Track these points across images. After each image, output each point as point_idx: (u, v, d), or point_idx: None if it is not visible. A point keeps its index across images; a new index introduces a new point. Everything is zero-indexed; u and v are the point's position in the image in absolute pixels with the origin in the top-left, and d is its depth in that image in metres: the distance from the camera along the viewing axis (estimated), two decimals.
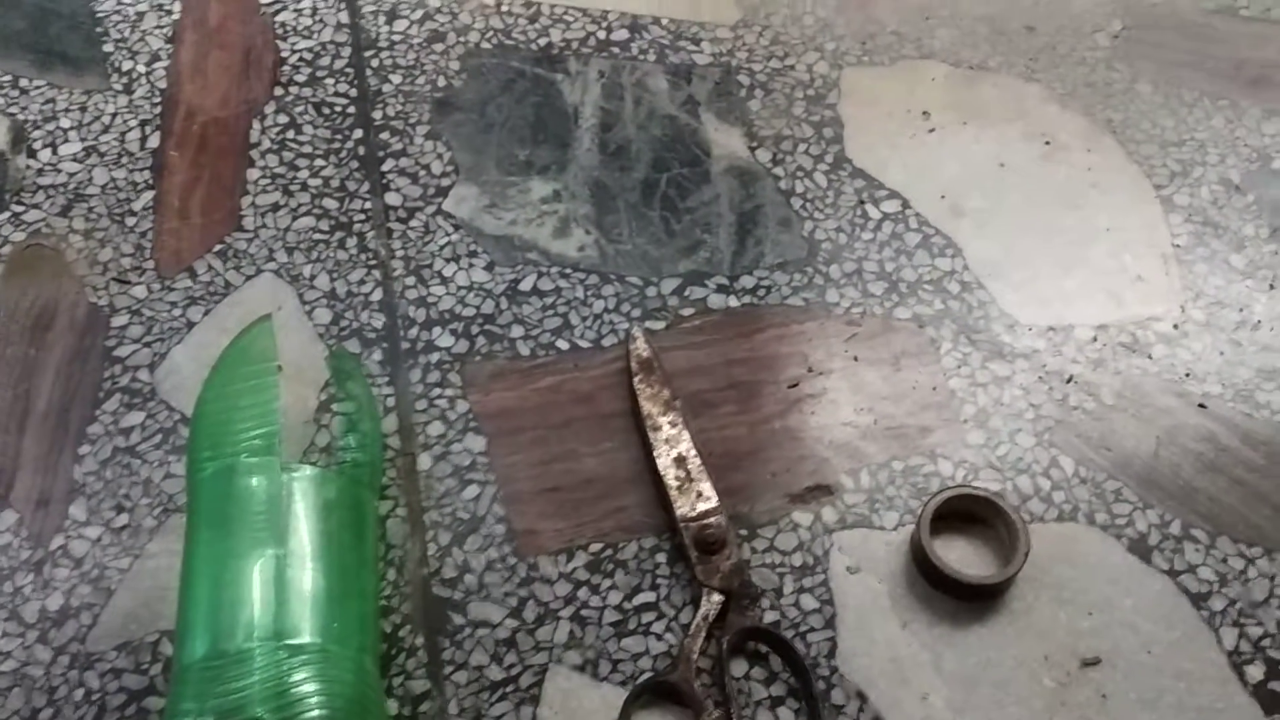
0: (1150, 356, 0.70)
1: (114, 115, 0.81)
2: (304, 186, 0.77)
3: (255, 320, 0.63)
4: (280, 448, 0.56)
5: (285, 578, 0.53)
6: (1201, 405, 0.68)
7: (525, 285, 0.72)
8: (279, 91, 0.83)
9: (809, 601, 0.61)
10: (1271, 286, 0.73)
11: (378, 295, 0.72)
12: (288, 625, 0.51)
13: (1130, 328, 0.71)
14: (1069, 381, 0.69)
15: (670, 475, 0.63)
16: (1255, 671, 0.58)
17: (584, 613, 0.60)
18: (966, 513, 0.63)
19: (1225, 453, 0.66)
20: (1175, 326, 0.71)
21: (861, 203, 0.77)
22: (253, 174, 0.78)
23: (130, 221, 0.76)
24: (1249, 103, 0.83)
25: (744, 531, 0.63)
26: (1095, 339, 0.71)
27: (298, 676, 0.49)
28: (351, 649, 0.53)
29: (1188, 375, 0.69)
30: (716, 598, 0.59)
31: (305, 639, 0.51)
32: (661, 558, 0.62)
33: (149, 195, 0.77)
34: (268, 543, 0.53)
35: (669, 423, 0.65)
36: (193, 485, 0.57)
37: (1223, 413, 0.68)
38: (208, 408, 0.59)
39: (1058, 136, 0.81)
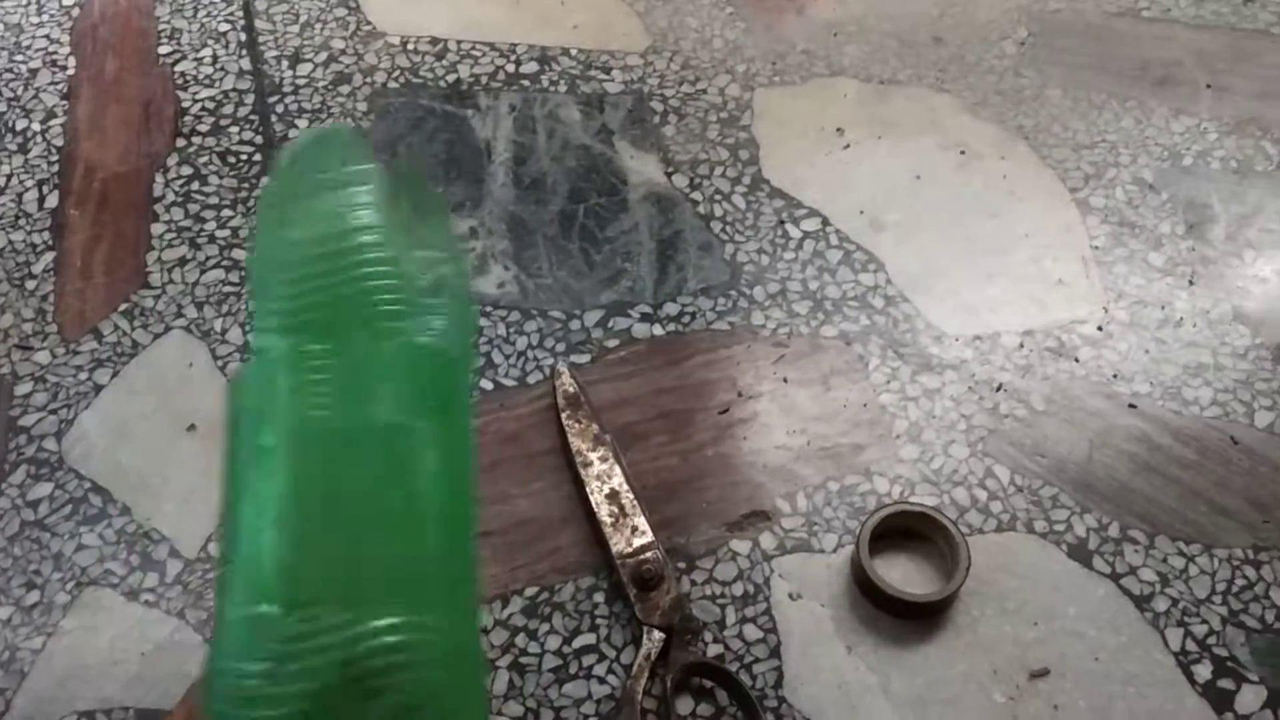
0: (1077, 359, 0.70)
1: (9, 176, 0.78)
2: (211, 238, 0.75)
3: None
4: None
5: (366, 534, 0.44)
6: (1131, 405, 0.68)
7: None
8: (181, 143, 0.80)
9: (752, 632, 0.60)
10: (1191, 283, 0.73)
11: None
12: (366, 595, 0.43)
13: (1056, 332, 0.71)
14: (999, 390, 0.68)
15: (604, 512, 0.61)
16: (1203, 671, 0.58)
17: (523, 660, 0.59)
18: (905, 529, 0.62)
19: (1158, 451, 0.66)
20: (1100, 328, 0.71)
21: (781, 222, 0.76)
22: (157, 229, 0.75)
23: (30, 285, 0.73)
24: (1156, 102, 0.84)
25: (682, 564, 0.62)
26: (1022, 345, 0.70)
27: (378, 662, 0.42)
28: (446, 616, 0.45)
29: (1115, 376, 0.69)
30: (658, 635, 0.57)
31: (389, 619, 0.42)
32: (599, 598, 0.61)
33: (49, 256, 0.74)
34: (354, 477, 0.45)
35: (600, 458, 0.63)
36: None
37: (1153, 411, 0.68)
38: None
39: (971, 145, 0.81)
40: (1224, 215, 0.77)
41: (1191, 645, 0.59)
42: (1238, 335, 0.71)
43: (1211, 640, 0.59)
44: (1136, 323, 0.71)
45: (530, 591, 0.61)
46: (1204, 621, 0.60)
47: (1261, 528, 0.63)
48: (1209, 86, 0.85)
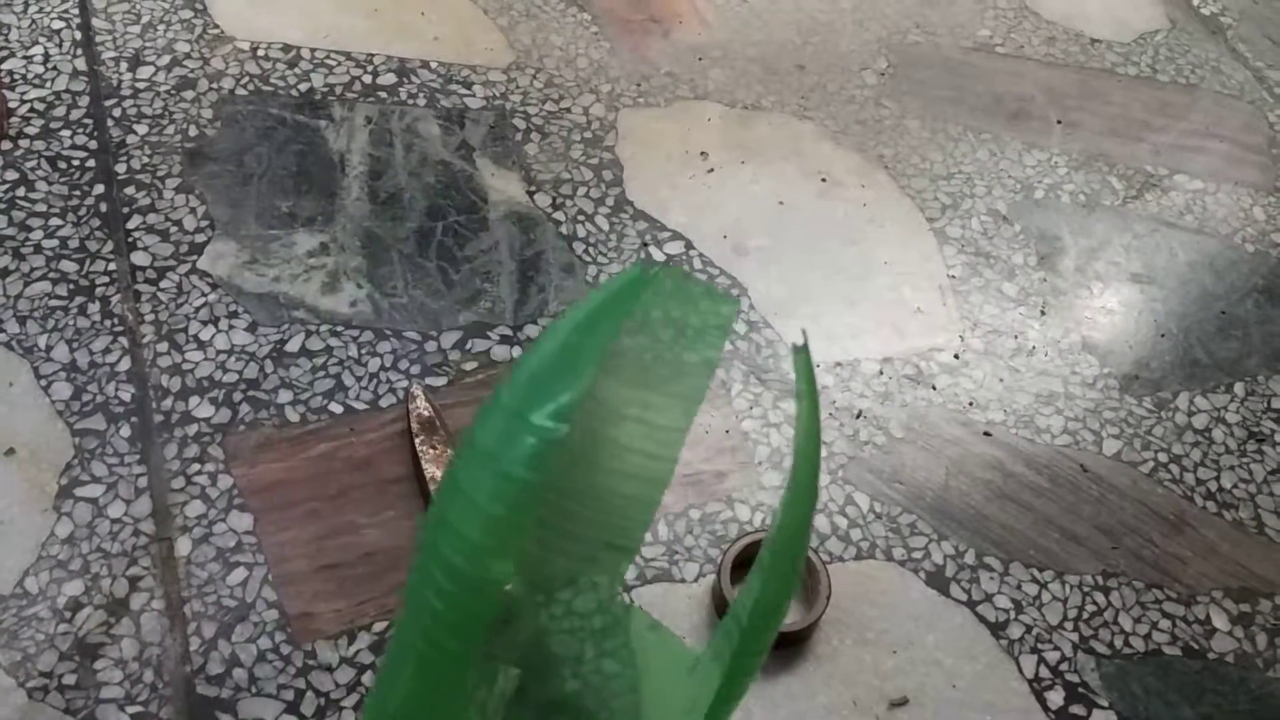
0: (934, 387, 0.70)
1: None
2: (38, 249, 0.70)
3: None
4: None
5: None
6: (986, 433, 0.68)
7: (292, 346, 0.67)
8: (7, 145, 0.75)
9: (611, 666, 0.58)
10: (1043, 313, 0.75)
11: (125, 364, 0.65)
12: None
13: (914, 359, 0.71)
14: (858, 417, 0.68)
15: None
16: (1056, 697, 0.59)
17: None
18: None
19: (1011, 479, 0.67)
20: (956, 356, 0.72)
21: (645, 245, 0.75)
22: None
23: None
24: (1010, 136, 0.86)
25: (540, 597, 0.59)
26: (881, 372, 0.71)
27: None
28: None
29: (971, 404, 0.70)
30: (513, 672, 0.55)
31: None
32: None
33: None
34: None
35: None
36: None
37: (1006, 439, 0.68)
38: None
39: (833, 173, 0.81)
40: (1073, 248, 0.79)
41: (1045, 672, 0.60)
42: (1087, 365, 0.72)
43: (1064, 666, 0.60)
44: (991, 351, 0.72)
45: (379, 627, 0.58)
46: (1056, 648, 0.60)
47: (1110, 554, 0.64)
48: (1059, 122, 0.87)
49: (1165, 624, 0.62)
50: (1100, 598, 0.63)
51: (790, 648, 0.59)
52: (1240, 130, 0.89)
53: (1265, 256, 0.81)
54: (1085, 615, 0.62)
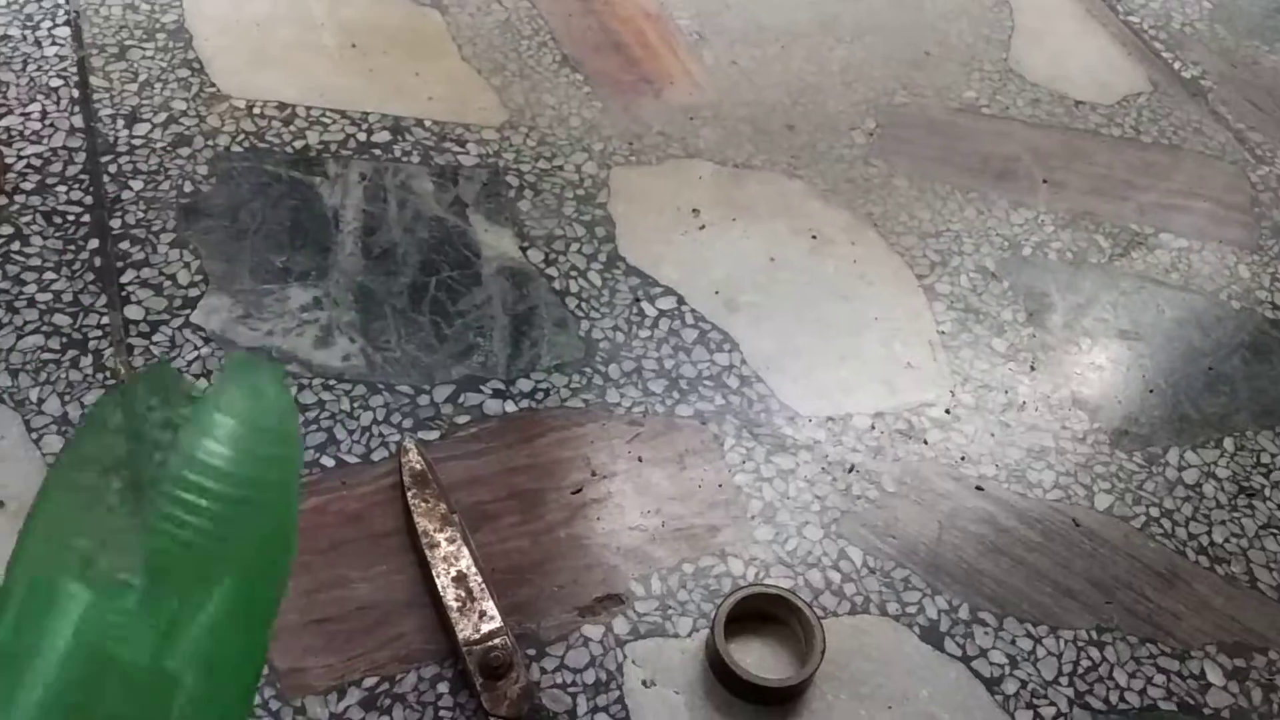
0: (926, 441, 0.70)
1: None
2: (31, 302, 0.70)
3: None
4: None
5: None
6: (978, 488, 0.69)
7: None
8: (3, 201, 0.75)
9: None
10: (1032, 368, 0.75)
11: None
12: None
13: (905, 414, 0.72)
14: (851, 471, 0.68)
15: (450, 596, 0.59)
16: None
17: None
18: (761, 612, 0.61)
19: (1004, 533, 0.67)
20: (947, 411, 0.72)
21: (637, 300, 0.75)
22: None
23: None
24: (997, 195, 0.87)
25: (532, 651, 0.59)
26: (873, 427, 0.71)
27: None
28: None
29: (963, 459, 0.70)
30: None
31: None
32: (444, 688, 0.57)
33: None
34: None
35: (447, 539, 0.61)
36: None
37: (999, 494, 0.69)
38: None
39: (823, 230, 0.82)
40: (1061, 304, 0.80)
41: None
42: (1077, 420, 0.73)
43: None
44: (982, 406, 0.73)
45: (369, 682, 0.57)
46: (1052, 703, 0.60)
47: (1104, 609, 0.64)
48: (1045, 181, 0.88)
49: (1160, 679, 0.62)
50: (1095, 653, 0.62)
51: (785, 704, 0.58)
52: (1223, 190, 0.91)
53: (1251, 313, 0.82)
54: (1080, 670, 0.62)
